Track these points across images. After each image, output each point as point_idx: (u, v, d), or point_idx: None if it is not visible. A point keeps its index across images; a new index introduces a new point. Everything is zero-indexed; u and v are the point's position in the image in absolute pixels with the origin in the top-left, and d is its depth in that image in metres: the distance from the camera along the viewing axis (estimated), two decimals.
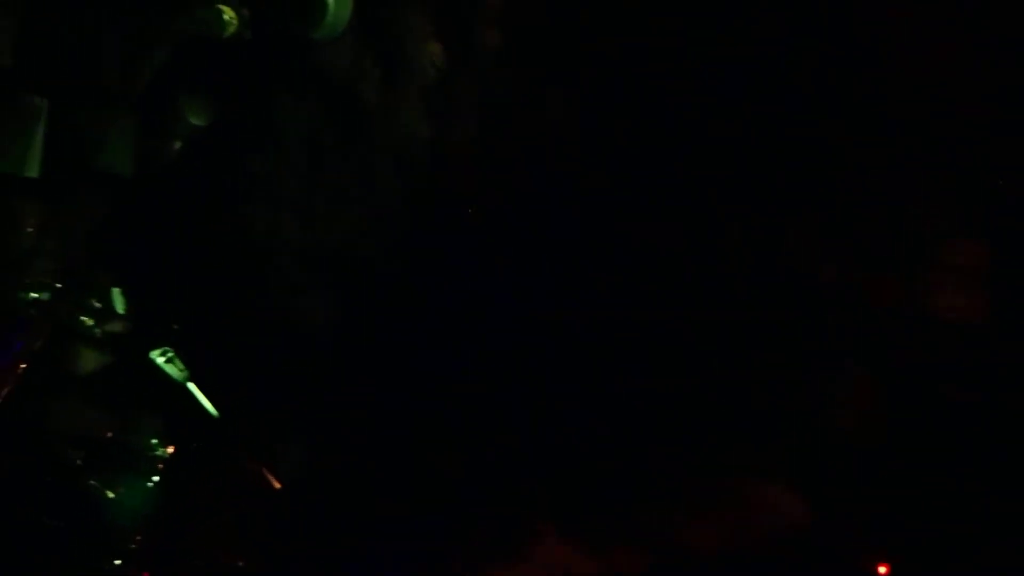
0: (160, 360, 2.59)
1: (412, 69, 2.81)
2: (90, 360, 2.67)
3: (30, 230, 2.92)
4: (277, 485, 2.65)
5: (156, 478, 2.56)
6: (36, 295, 2.08)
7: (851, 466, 2.41)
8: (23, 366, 2.25)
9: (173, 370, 2.59)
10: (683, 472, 2.25)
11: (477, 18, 2.84)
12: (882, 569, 2.36)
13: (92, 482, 2.53)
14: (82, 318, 2.18)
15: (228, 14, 1.60)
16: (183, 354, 2.61)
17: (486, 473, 2.42)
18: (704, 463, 2.28)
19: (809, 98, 2.66)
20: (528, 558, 1.96)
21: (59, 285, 1.92)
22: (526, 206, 2.63)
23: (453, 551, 2.25)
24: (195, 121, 2.32)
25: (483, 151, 2.80)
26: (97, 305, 2.23)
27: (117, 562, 2.45)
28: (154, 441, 2.58)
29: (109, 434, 2.60)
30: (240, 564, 2.50)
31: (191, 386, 2.62)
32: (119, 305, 2.33)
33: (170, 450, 2.57)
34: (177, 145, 2.41)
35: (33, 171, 2.96)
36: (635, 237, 2.52)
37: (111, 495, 2.51)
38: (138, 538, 2.49)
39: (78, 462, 2.57)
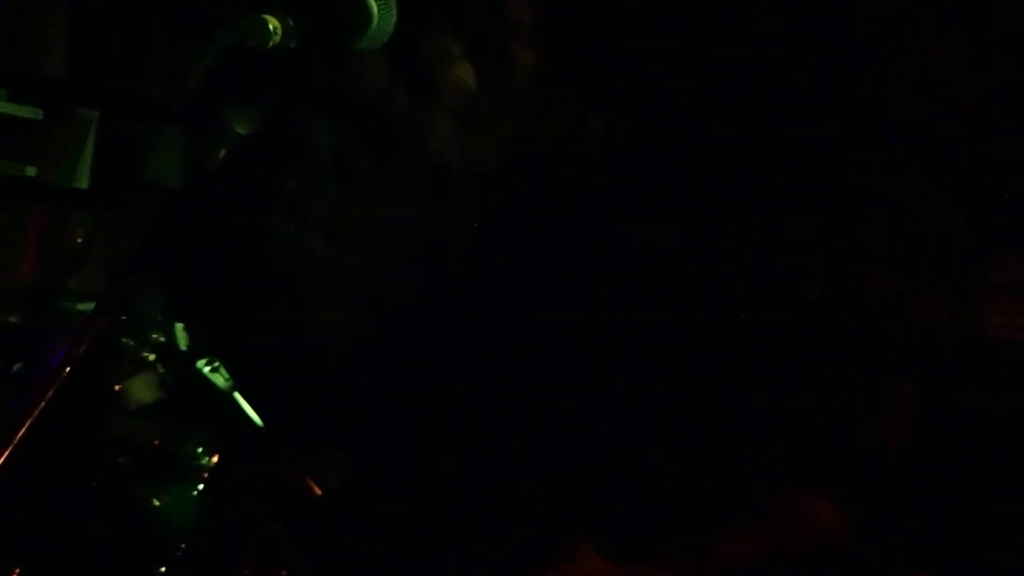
0: (206, 370, 2.61)
1: (441, 89, 2.85)
2: (139, 377, 2.75)
3: (78, 240, 3.01)
4: (318, 492, 2.67)
5: (201, 486, 2.59)
6: (82, 304, 2.11)
7: (893, 479, 2.40)
8: (66, 372, 2.28)
9: (219, 379, 2.62)
10: (719, 481, 2.24)
11: (509, 37, 2.87)
12: None
13: (138, 490, 2.57)
14: (129, 330, 2.19)
15: (273, 24, 1.61)
16: (228, 364, 2.64)
17: (521, 482, 2.43)
18: (741, 472, 2.27)
19: (854, 104, 2.65)
20: (561, 567, 1.97)
21: (105, 295, 1.95)
22: (545, 214, 2.65)
23: (489, 559, 2.26)
24: (240, 130, 2.35)
25: (512, 169, 2.83)
26: (145, 317, 2.25)
27: (162, 569, 2.47)
28: (200, 450, 2.62)
29: (156, 442, 2.64)
30: (283, 573, 2.51)
31: (236, 396, 2.65)
32: (180, 342, 2.38)
33: (215, 459, 2.61)
34: (222, 153, 2.46)
35: (83, 182, 3.07)
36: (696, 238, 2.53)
37: (156, 503, 2.55)
38: (182, 545, 2.51)
39: (125, 470, 2.62)
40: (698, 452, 2.24)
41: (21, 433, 2.12)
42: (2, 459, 2.12)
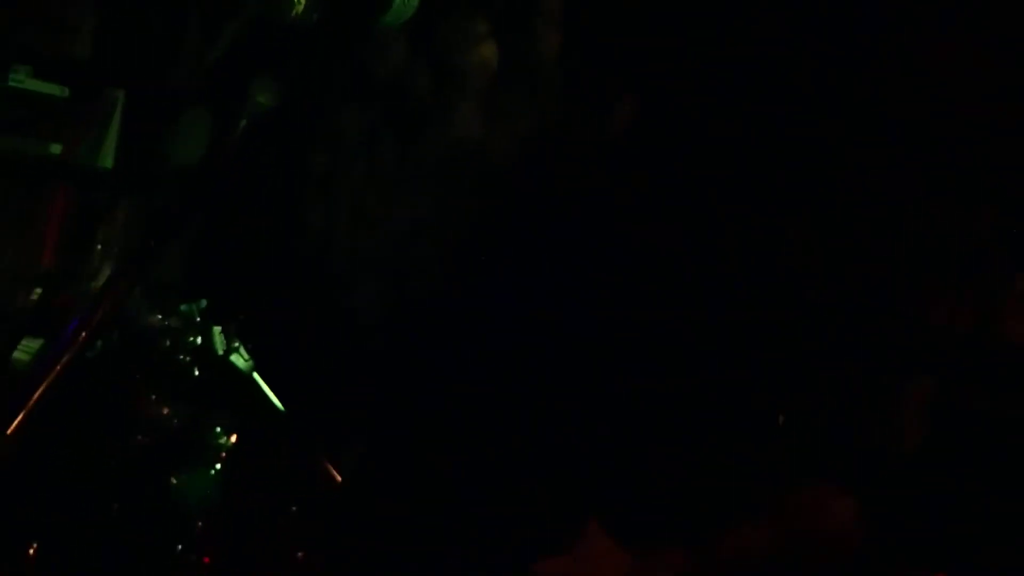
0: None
1: (465, 70, 2.84)
2: (159, 352, 2.75)
3: (101, 220, 3.02)
4: (339, 479, 2.66)
5: (219, 466, 2.59)
6: (96, 282, 2.11)
7: (910, 479, 2.38)
8: (80, 342, 2.28)
9: (239, 360, 2.61)
10: (731, 473, 2.22)
11: (536, 18, 2.86)
12: None
13: (157, 469, 2.58)
14: (151, 311, 2.19)
15: None
16: (249, 345, 2.64)
17: (535, 469, 2.42)
18: (753, 466, 2.24)
19: (870, 105, 2.63)
20: (571, 549, 1.97)
21: (121, 273, 1.95)
22: (556, 207, 2.64)
23: (505, 543, 2.25)
24: (263, 100, 2.35)
25: (537, 152, 2.81)
26: (185, 317, 2.26)
27: (179, 546, 2.48)
28: (218, 430, 2.62)
29: (175, 423, 2.65)
30: (299, 555, 2.51)
31: (256, 377, 2.64)
32: (217, 346, 2.39)
33: (233, 439, 2.60)
34: (244, 124, 2.47)
35: (107, 162, 3.07)
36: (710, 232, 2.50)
37: (175, 482, 2.55)
38: (199, 524, 2.51)
39: (144, 449, 2.63)
40: (711, 445, 2.23)
41: (35, 398, 2.13)
42: (16, 424, 2.13)
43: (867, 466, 2.32)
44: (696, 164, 2.58)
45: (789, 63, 2.45)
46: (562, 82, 2.83)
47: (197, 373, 2.59)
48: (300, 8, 1.59)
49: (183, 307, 1.99)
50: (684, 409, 2.35)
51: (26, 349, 2.42)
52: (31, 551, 2.42)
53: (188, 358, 1.84)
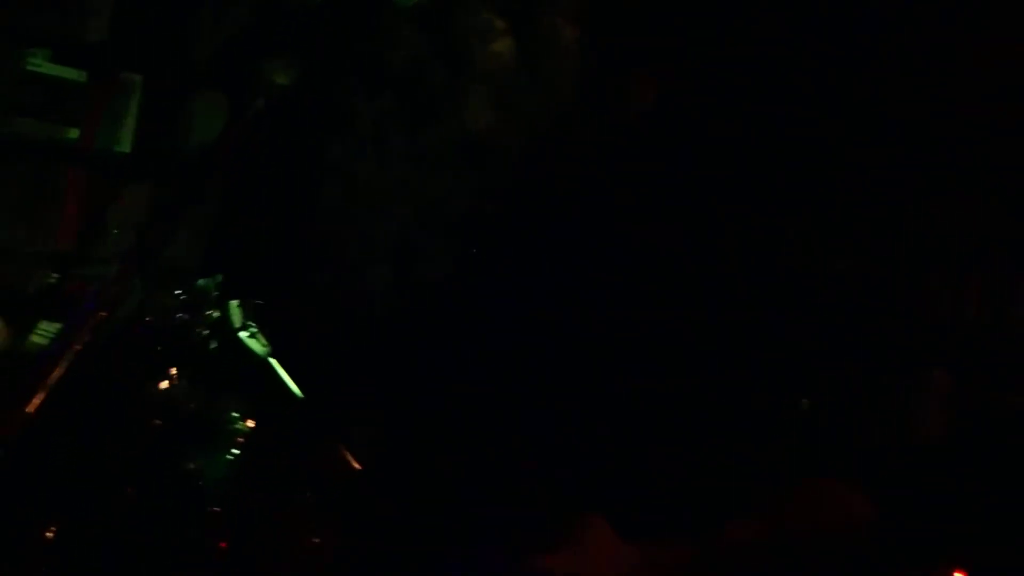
0: (244, 335, 2.63)
1: (479, 62, 2.87)
2: (176, 326, 2.79)
3: (118, 204, 3.06)
4: (357, 466, 2.67)
5: (236, 451, 2.61)
6: (112, 265, 2.14)
7: (927, 472, 2.38)
8: (94, 325, 2.31)
9: (256, 345, 2.63)
10: (739, 470, 2.22)
11: (554, 13, 2.88)
12: (957, 575, 2.33)
13: (172, 452, 2.60)
14: (185, 306, 2.24)
15: None
16: (266, 330, 2.66)
17: (540, 465, 2.44)
18: (763, 462, 2.24)
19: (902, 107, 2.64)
20: (574, 542, 1.97)
21: (137, 258, 1.98)
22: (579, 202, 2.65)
23: (511, 537, 2.27)
24: (279, 80, 2.38)
25: (549, 143, 2.83)
26: (202, 291, 2.30)
27: (194, 531, 2.50)
28: (235, 415, 2.64)
29: (192, 406, 2.66)
30: (315, 541, 2.52)
31: (273, 362, 2.66)
32: (234, 320, 2.41)
33: (250, 424, 2.62)
34: (261, 104, 2.51)
35: (125, 146, 3.11)
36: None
37: (191, 466, 2.57)
38: (216, 508, 2.53)
39: (160, 432, 2.65)
40: (716, 440, 2.24)
41: (53, 378, 2.14)
42: (34, 404, 2.15)
43: (883, 460, 2.33)
44: (700, 162, 2.59)
45: (791, 64, 2.46)
46: (577, 76, 2.84)
47: (214, 355, 2.60)
48: None
49: (200, 281, 2.01)
50: (689, 405, 2.37)
51: (43, 332, 2.44)
52: (48, 534, 2.44)
53: (206, 331, 1.86)
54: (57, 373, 2.29)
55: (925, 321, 2.44)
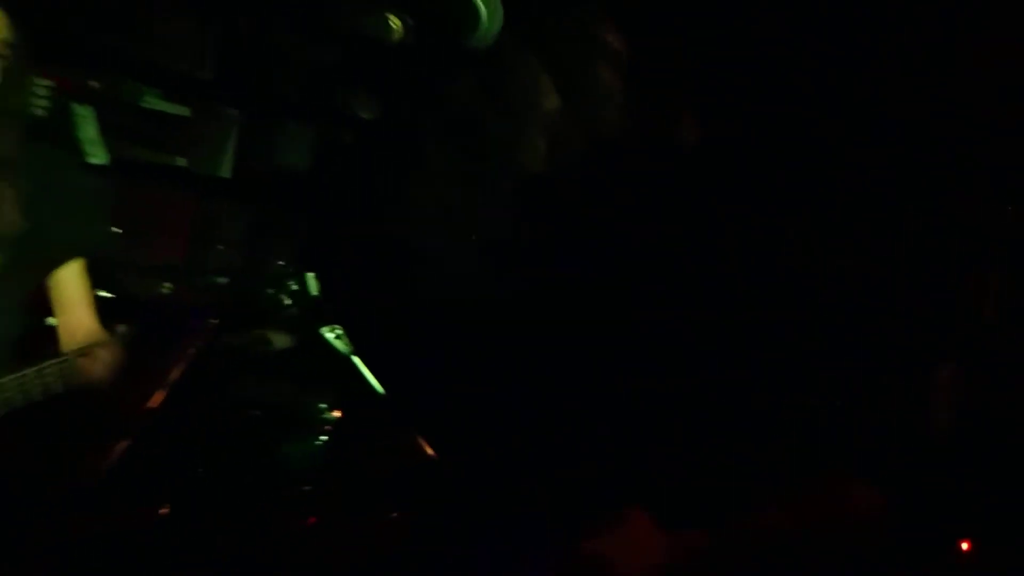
0: (330, 336, 2.84)
1: (528, 110, 3.05)
2: (274, 338, 3.07)
3: (221, 222, 3.35)
4: (431, 452, 2.90)
5: (324, 438, 2.89)
6: (218, 279, 2.35)
7: (937, 462, 2.40)
8: (203, 338, 2.57)
9: (341, 345, 2.86)
10: (762, 465, 2.29)
11: (601, 66, 3.01)
12: (964, 545, 2.32)
13: (269, 439, 2.89)
14: (266, 301, 2.44)
15: (395, 22, 1.88)
16: (350, 333, 2.89)
17: (583, 460, 2.56)
18: (783, 456, 2.31)
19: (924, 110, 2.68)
20: (612, 532, 2.04)
21: (242, 270, 2.21)
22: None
23: (556, 525, 2.39)
24: (363, 115, 2.66)
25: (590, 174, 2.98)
26: (279, 289, 2.50)
27: (287, 508, 2.77)
28: (323, 406, 2.92)
29: (286, 399, 2.96)
30: (394, 515, 2.78)
31: (356, 360, 2.88)
32: (311, 289, 2.61)
33: (336, 414, 2.90)
34: (348, 138, 2.79)
35: (226, 172, 3.39)
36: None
37: (285, 450, 2.86)
38: (306, 488, 2.81)
39: (259, 422, 2.94)
40: (744, 436, 2.31)
41: (172, 377, 2.43)
42: (157, 400, 2.44)
43: (894, 453, 2.36)
44: (709, 165, 2.68)
45: (792, 64, 2.53)
46: (617, 118, 2.99)
47: (302, 354, 2.85)
48: (399, 34, 1.89)
49: (279, 263, 2.22)
50: (721, 404, 2.43)
51: (160, 334, 2.71)
52: (163, 511, 2.74)
53: (289, 300, 2.07)
54: (175, 372, 2.61)
55: (933, 319, 2.50)
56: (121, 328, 1.92)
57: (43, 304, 1.98)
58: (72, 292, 1.96)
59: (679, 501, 2.20)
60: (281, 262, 2.20)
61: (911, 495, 2.25)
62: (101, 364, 1.84)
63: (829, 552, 2.03)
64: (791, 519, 2.04)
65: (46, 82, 2.86)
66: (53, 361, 1.79)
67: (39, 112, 2.88)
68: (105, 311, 1.98)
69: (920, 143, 2.60)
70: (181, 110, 3.28)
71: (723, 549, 2.02)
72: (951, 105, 2.53)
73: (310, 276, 2.15)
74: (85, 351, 1.80)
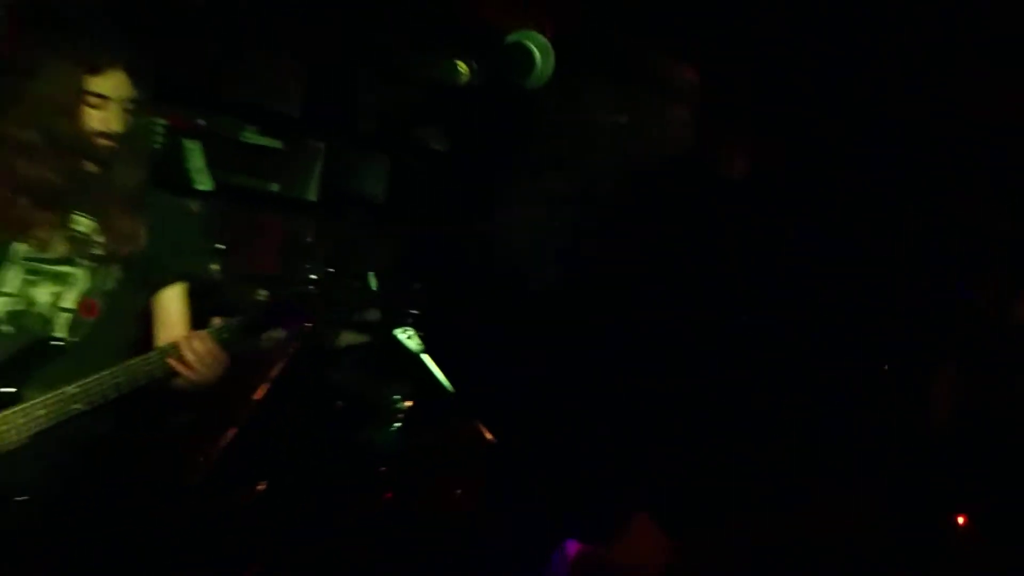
0: (402, 337, 3.14)
1: (598, 138, 3.29)
2: (351, 338, 3.43)
3: (309, 240, 3.73)
4: (490, 437, 3.22)
5: (398, 424, 3.23)
6: (310, 288, 2.62)
7: (939, 462, 2.43)
8: (300, 339, 2.92)
9: (413, 345, 3.16)
10: (763, 472, 2.34)
11: (670, 99, 3.19)
12: (960, 519, 2.33)
13: (352, 426, 3.26)
14: (347, 307, 2.70)
15: (462, 67, 2.17)
16: (421, 333, 3.19)
17: (594, 468, 2.68)
18: (785, 463, 2.37)
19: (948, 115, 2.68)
20: (620, 539, 2.16)
21: (328, 282, 2.41)
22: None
23: (557, 529, 2.54)
24: (437, 147, 3.00)
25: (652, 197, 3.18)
26: (357, 296, 2.79)
27: (366, 486, 3.11)
28: (397, 397, 3.26)
29: (365, 391, 3.32)
30: (458, 492, 3.11)
31: (426, 358, 3.18)
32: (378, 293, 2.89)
33: (408, 404, 3.25)
34: (422, 171, 3.13)
35: (313, 195, 3.75)
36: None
37: (364, 435, 3.22)
38: (383, 469, 3.15)
39: (341, 411, 3.31)
40: (749, 444, 2.41)
41: (274, 372, 2.79)
42: (261, 393, 2.77)
43: (894, 449, 2.42)
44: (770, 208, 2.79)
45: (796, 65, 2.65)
46: (682, 145, 3.19)
47: (380, 353, 3.17)
48: (466, 77, 2.21)
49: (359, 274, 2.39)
50: (721, 404, 2.52)
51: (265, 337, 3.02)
52: (260, 488, 3.08)
53: (366, 307, 2.23)
54: (277, 368, 2.97)
55: (933, 319, 2.59)
56: (216, 321, 2.06)
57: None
58: (172, 311, 2.11)
59: (683, 505, 2.32)
60: (361, 273, 2.37)
61: (911, 494, 2.32)
62: (193, 354, 1.95)
63: (827, 556, 2.12)
64: (791, 523, 2.15)
65: (161, 120, 3.20)
66: (156, 351, 1.96)
67: (155, 146, 3.24)
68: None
69: (920, 143, 2.64)
70: (275, 143, 3.59)
71: (723, 552, 2.11)
72: (951, 105, 2.55)
73: (371, 275, 2.31)
74: (182, 340, 1.95)
